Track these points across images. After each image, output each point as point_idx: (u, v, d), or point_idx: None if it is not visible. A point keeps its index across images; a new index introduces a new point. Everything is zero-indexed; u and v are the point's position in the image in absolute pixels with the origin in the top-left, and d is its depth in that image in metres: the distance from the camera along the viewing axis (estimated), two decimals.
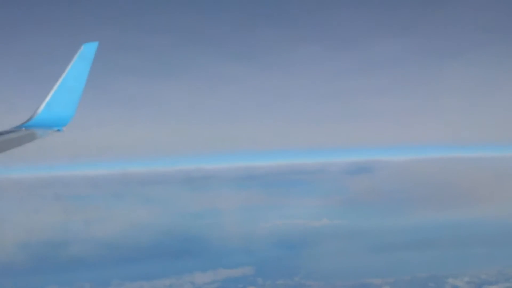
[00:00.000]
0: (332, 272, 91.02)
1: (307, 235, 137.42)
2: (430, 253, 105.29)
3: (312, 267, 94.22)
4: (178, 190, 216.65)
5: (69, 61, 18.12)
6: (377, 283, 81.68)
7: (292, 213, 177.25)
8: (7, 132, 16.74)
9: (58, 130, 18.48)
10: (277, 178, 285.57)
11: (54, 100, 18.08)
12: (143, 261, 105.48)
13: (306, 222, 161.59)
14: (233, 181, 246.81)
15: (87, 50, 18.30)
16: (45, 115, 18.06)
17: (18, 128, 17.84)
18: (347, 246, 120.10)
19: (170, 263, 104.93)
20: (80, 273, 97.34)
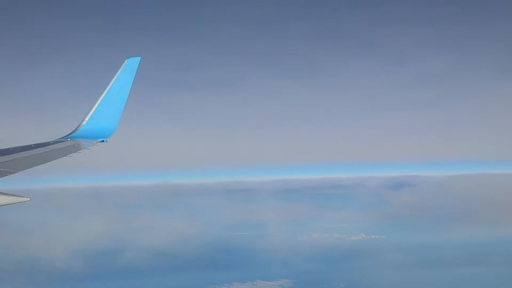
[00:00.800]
0: (367, 287, 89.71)
1: (345, 249, 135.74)
2: (468, 270, 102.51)
3: (349, 281, 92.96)
4: (218, 202, 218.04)
5: (114, 75, 18.68)
6: None
7: (330, 227, 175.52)
8: (54, 143, 17.30)
9: (103, 141, 18.99)
10: (316, 192, 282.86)
11: (99, 112, 18.65)
12: (183, 271, 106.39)
13: (344, 236, 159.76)
14: (273, 194, 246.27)
15: (130, 65, 18.85)
16: (90, 126, 18.63)
17: (64, 138, 18.44)
18: (383, 261, 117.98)
19: (209, 273, 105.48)
20: (121, 281, 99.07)
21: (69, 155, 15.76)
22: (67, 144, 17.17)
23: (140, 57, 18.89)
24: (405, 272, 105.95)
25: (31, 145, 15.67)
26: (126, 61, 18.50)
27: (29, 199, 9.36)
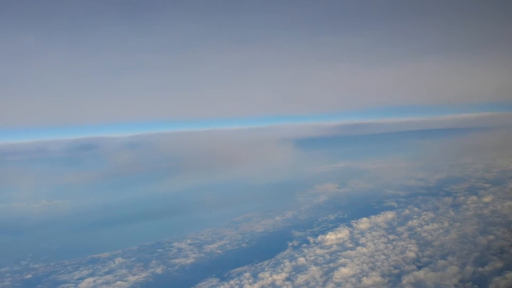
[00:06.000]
0: (58, 252, 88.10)
1: (28, 218, 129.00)
2: (156, 222, 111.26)
3: (38, 250, 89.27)
4: None
5: None
6: (105, 256, 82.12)
7: (8, 196, 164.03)
8: None
9: None
10: None
11: None
12: None
13: (24, 204, 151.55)
14: None
15: None
16: None
17: None
18: (70, 225, 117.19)
19: None
20: None
21: None
22: None
23: None
24: (92, 232, 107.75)
25: None
26: None
27: None
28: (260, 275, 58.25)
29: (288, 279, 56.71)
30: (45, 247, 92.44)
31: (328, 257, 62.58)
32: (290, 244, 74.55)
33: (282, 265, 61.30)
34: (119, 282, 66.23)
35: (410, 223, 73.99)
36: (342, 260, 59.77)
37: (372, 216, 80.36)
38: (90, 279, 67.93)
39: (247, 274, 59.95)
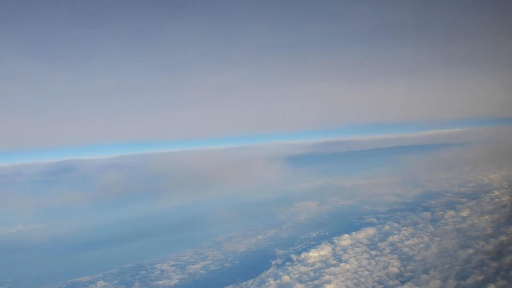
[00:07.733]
0: (38, 278, 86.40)
1: (5, 243, 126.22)
2: (136, 244, 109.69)
3: (17, 276, 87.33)
4: None
5: None
6: (86, 280, 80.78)
7: None
8: None
9: None
10: None
11: None
12: None
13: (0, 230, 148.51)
14: None
15: None
16: None
17: None
18: (49, 249, 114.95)
19: None
20: None
21: None
22: None
23: None
24: (71, 256, 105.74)
25: None
26: None
27: None
28: None
29: None
30: (24, 272, 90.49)
31: (312, 274, 62.60)
32: (273, 262, 74.34)
33: (266, 283, 61.08)
34: None
35: (391, 238, 74.55)
36: (327, 277, 59.86)
37: (353, 233, 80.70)
38: None
39: None
